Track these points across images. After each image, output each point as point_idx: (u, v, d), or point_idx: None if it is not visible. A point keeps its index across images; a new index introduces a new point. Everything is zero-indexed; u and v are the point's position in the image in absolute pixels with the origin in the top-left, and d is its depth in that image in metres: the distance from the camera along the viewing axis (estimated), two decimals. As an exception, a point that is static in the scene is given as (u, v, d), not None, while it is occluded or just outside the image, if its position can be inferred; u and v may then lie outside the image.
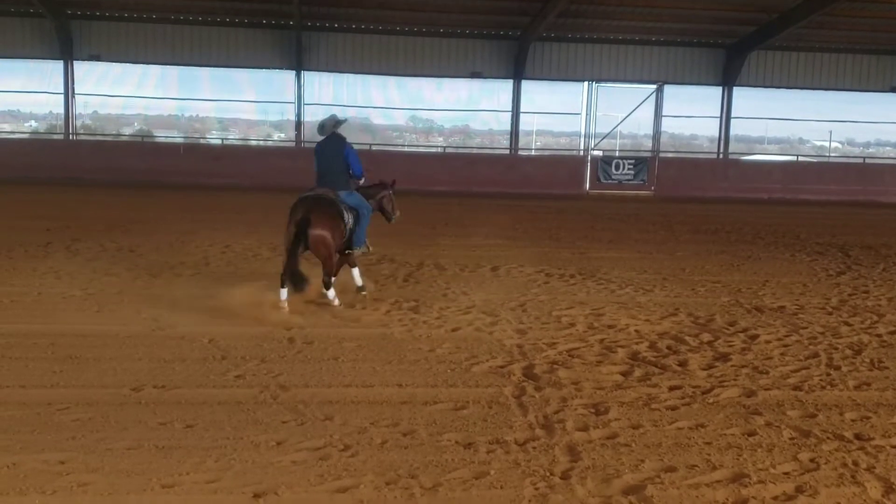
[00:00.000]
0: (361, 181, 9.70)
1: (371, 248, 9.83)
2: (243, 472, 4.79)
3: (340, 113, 9.83)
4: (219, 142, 31.22)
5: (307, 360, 7.13)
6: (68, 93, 28.46)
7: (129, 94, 29.33)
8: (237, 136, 31.96)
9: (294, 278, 8.55)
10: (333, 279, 9.13)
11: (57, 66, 28.19)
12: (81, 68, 28.43)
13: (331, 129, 9.44)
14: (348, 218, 9.17)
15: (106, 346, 7.35)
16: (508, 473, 4.86)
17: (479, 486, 4.69)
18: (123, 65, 28.54)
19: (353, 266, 9.68)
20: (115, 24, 27.88)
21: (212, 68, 28.83)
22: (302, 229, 8.65)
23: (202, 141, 31.25)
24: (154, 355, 7.11)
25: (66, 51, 27.72)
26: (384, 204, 10.16)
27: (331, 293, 9.03)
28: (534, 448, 5.24)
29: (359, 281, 9.68)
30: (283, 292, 8.76)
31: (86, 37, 27.87)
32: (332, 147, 9.38)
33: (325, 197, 9.07)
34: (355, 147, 9.72)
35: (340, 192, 9.27)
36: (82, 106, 29.40)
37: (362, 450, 5.14)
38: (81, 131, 29.85)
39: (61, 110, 28.85)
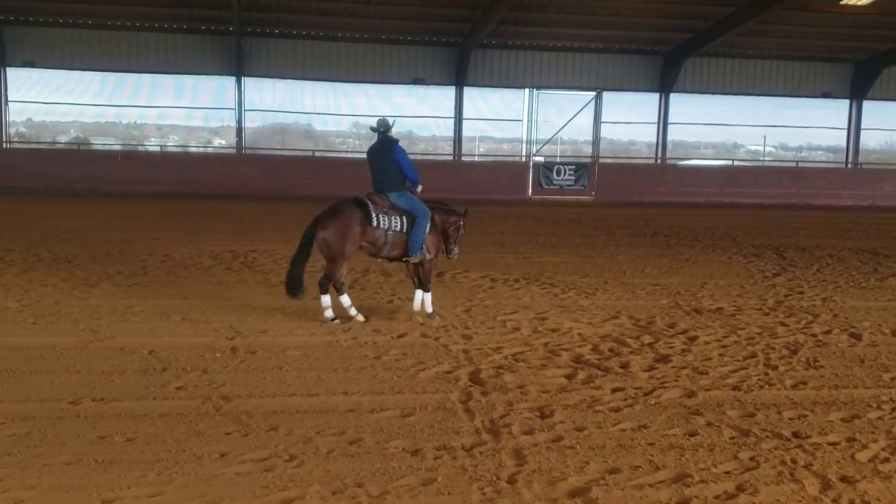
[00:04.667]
0: (419, 188, 9.23)
1: (429, 256, 9.16)
2: (186, 485, 4.72)
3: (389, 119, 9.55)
4: (158, 149, 30.75)
5: (250, 369, 7.05)
6: (1, 100, 27.81)
7: (65, 102, 28.73)
8: (177, 143, 31.49)
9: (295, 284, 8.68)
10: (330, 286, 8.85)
11: (-11, 73, 27.56)
12: (15, 75, 27.80)
13: (385, 129, 9.17)
14: (391, 222, 8.88)
15: (42, 359, 7.18)
16: (456, 479, 4.87)
17: (426, 493, 4.69)
18: (59, 71, 27.97)
19: (425, 290, 9.15)
20: (50, 30, 27.31)
21: (150, 74, 28.41)
22: (308, 231, 8.68)
23: (140, 148, 30.74)
24: (92, 368, 6.97)
25: (-1, 57, 27.11)
26: (450, 231, 9.44)
27: (325, 300, 8.77)
28: (480, 453, 5.26)
29: (429, 307, 9.14)
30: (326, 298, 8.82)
31: (20, 43, 27.26)
32: (381, 149, 9.16)
33: (351, 199, 8.90)
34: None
35: (390, 193, 9.04)
36: (16, 113, 28.73)
37: (308, 460, 5.10)
38: (15, 139, 29.18)
39: (-6, 118, 28.20)
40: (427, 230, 9.06)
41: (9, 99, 28.01)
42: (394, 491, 4.70)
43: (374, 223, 8.79)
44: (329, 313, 8.78)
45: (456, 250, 9.57)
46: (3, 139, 28.29)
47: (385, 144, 9.19)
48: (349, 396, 6.36)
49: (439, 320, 8.99)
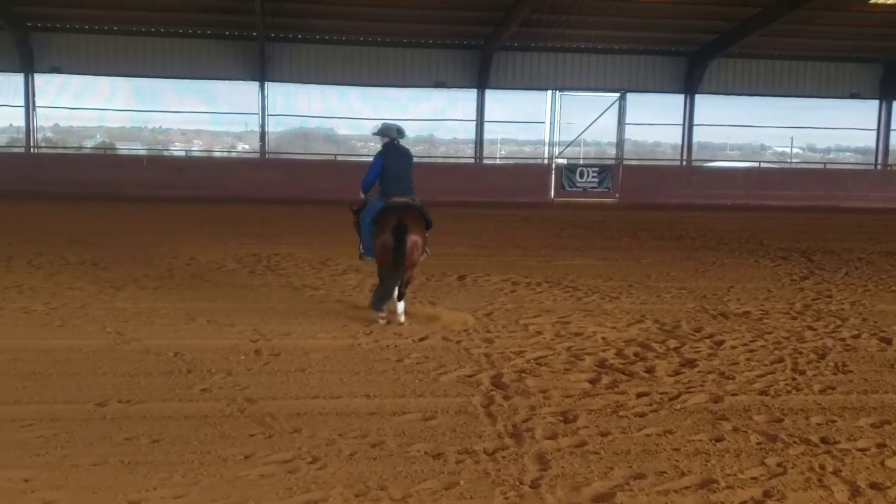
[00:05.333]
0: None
1: (429, 251, 9.54)
2: (211, 486, 4.74)
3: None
4: (182, 153, 30.96)
5: (274, 372, 7.08)
6: (29, 106, 28.10)
7: (91, 107, 29.00)
8: (200, 148, 31.70)
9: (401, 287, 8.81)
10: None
11: (17, 79, 27.81)
12: (42, 81, 28.09)
13: (396, 136, 9.32)
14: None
15: (70, 361, 7.25)
16: (478, 483, 4.85)
17: (448, 497, 4.68)
18: (85, 77, 28.23)
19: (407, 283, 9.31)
20: (76, 37, 27.56)
21: (175, 80, 28.60)
22: (401, 236, 8.66)
23: (165, 153, 30.97)
24: (119, 370, 7.02)
25: (27, 63, 27.36)
26: None
27: (401, 306, 9.04)
28: (503, 457, 5.24)
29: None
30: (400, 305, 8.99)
31: (46, 49, 27.54)
32: (405, 155, 9.32)
33: (408, 202, 9.10)
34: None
35: (411, 195, 9.28)
36: (43, 119, 29.04)
37: (331, 462, 5.11)
38: (43, 144, 29.47)
39: (22, 123, 28.46)
40: None
41: (36, 104, 28.30)
42: (416, 494, 4.69)
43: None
44: (403, 318, 9.00)
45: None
46: (31, 144, 28.58)
47: (406, 150, 9.39)
48: (371, 399, 6.36)
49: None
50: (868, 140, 33.66)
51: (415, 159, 9.58)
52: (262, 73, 28.36)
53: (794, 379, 7.15)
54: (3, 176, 25.92)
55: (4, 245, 14.14)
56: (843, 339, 8.70)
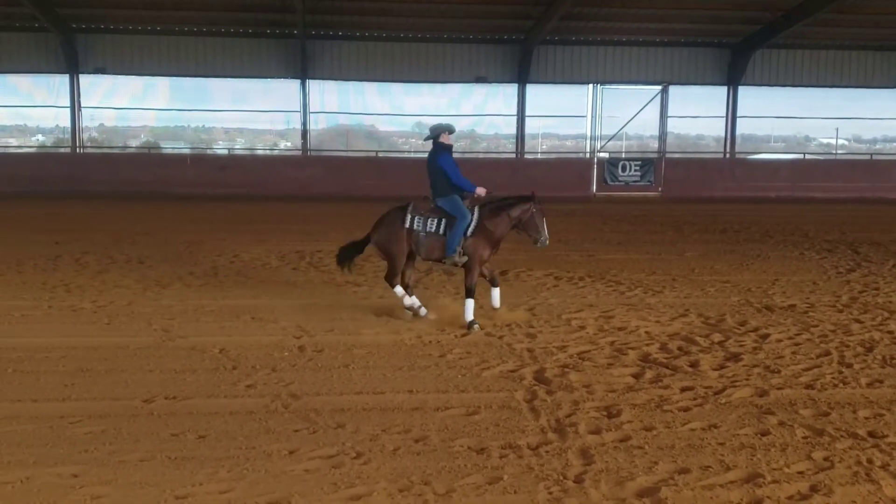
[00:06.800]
0: (479, 192, 9.00)
1: (458, 259, 8.85)
2: (256, 481, 4.79)
3: (446, 122, 9.55)
4: (225, 152, 31.27)
5: (318, 368, 7.14)
6: (75, 106, 28.56)
7: (135, 107, 29.42)
8: (243, 146, 32.00)
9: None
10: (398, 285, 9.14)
11: (63, 80, 28.30)
12: (87, 81, 28.53)
13: (433, 135, 9.21)
14: (426, 224, 8.96)
15: (117, 359, 7.37)
16: (522, 478, 4.85)
17: (492, 492, 4.69)
18: (129, 77, 28.63)
19: (466, 296, 8.85)
20: (120, 37, 27.96)
21: (217, 79, 28.89)
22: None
23: (208, 151, 31.29)
24: (165, 366, 7.13)
25: (72, 64, 27.82)
26: (525, 221, 9.00)
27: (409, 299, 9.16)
28: (546, 452, 5.23)
29: (468, 315, 8.71)
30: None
31: (91, 50, 27.97)
32: (431, 155, 9.14)
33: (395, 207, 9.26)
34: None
35: (438, 198, 9.03)
36: (89, 119, 29.49)
37: (375, 457, 5.14)
38: (88, 144, 29.92)
39: (68, 124, 28.93)
40: (467, 233, 8.87)
41: (82, 104, 28.74)
42: (460, 489, 4.70)
43: (408, 224, 9.01)
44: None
45: (543, 238, 9.02)
46: (77, 144, 29.05)
47: (434, 150, 9.19)
48: (414, 395, 6.39)
49: (477, 329, 8.53)
50: (915, 130, 32.94)
51: (455, 155, 9.47)
52: (303, 70, 28.53)
53: (840, 372, 7.05)
54: (49, 176, 26.42)
55: (52, 244, 14.40)
56: (890, 332, 8.56)
